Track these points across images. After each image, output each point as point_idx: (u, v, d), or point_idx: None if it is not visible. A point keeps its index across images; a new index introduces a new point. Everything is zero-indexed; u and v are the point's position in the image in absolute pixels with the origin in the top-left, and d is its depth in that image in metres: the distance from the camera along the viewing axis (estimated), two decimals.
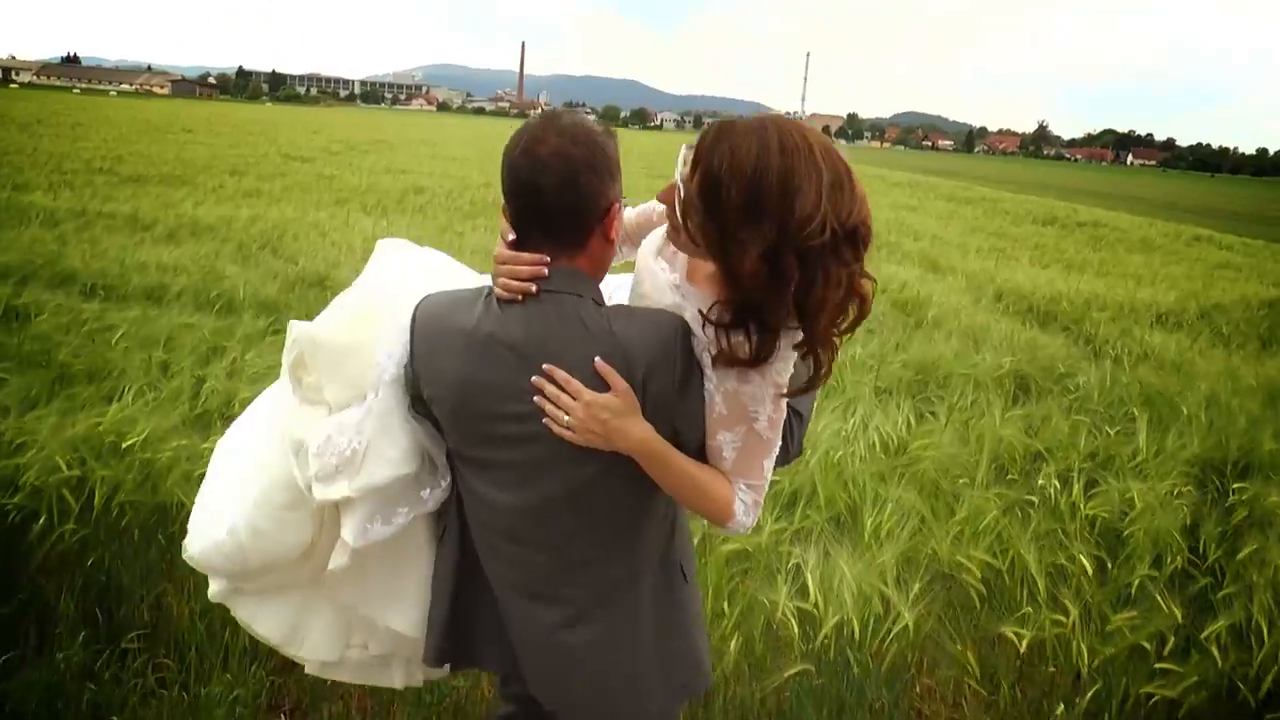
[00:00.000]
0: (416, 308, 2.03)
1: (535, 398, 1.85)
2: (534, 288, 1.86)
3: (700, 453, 1.93)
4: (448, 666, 2.28)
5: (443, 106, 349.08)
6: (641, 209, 2.34)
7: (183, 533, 2.31)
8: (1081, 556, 4.04)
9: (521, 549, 2.01)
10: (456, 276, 2.28)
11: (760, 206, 1.63)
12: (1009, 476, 5.10)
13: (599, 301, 1.92)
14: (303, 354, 2.09)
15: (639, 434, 1.82)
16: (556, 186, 1.83)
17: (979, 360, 7.51)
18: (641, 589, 2.04)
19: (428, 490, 2.08)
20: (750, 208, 1.63)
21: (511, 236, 1.94)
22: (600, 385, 1.82)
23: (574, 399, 1.81)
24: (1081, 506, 4.66)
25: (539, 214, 1.88)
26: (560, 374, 1.82)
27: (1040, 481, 4.85)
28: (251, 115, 79.08)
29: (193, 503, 2.32)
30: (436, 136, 62.50)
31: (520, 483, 1.95)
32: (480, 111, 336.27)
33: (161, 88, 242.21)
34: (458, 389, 1.93)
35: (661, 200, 1.89)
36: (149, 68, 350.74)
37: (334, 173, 26.46)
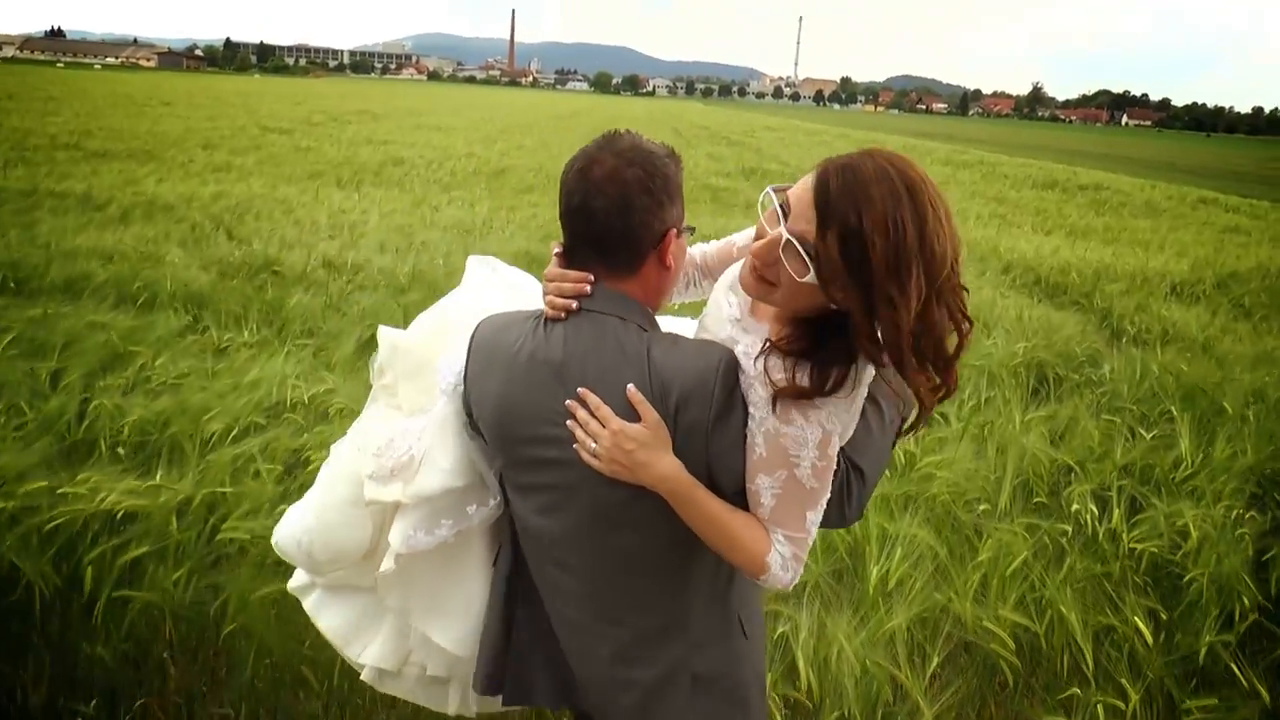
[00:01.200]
0: (477, 327, 1.99)
1: (568, 421, 1.78)
2: (575, 304, 1.81)
3: (739, 496, 1.78)
4: (500, 698, 2.13)
5: (433, 76, 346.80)
6: (723, 242, 2.22)
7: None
8: (1135, 615, 3.28)
9: (567, 577, 1.92)
10: (535, 296, 2.17)
11: (903, 259, 1.53)
12: (1036, 499, 4.34)
13: (645, 327, 1.82)
14: (384, 359, 2.18)
15: (665, 469, 1.72)
16: (608, 210, 1.76)
17: (991, 347, 6.75)
18: (690, 634, 1.91)
19: (474, 506, 2.04)
20: (895, 261, 1.53)
21: (557, 252, 1.89)
22: (632, 413, 1.73)
23: (603, 426, 1.73)
24: (1125, 538, 3.91)
25: (590, 237, 1.80)
26: (592, 399, 1.75)
27: (1074, 505, 4.10)
28: (236, 87, 77.73)
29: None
30: (424, 106, 61.40)
31: (557, 508, 1.87)
32: (471, 80, 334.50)
33: (148, 61, 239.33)
34: (499, 409, 1.89)
35: (758, 257, 1.71)
36: (135, 41, 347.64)
37: (312, 145, 25.65)
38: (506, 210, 14.87)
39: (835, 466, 1.77)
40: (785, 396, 1.69)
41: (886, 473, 4.35)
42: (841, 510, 1.85)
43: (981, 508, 3.99)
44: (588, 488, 1.80)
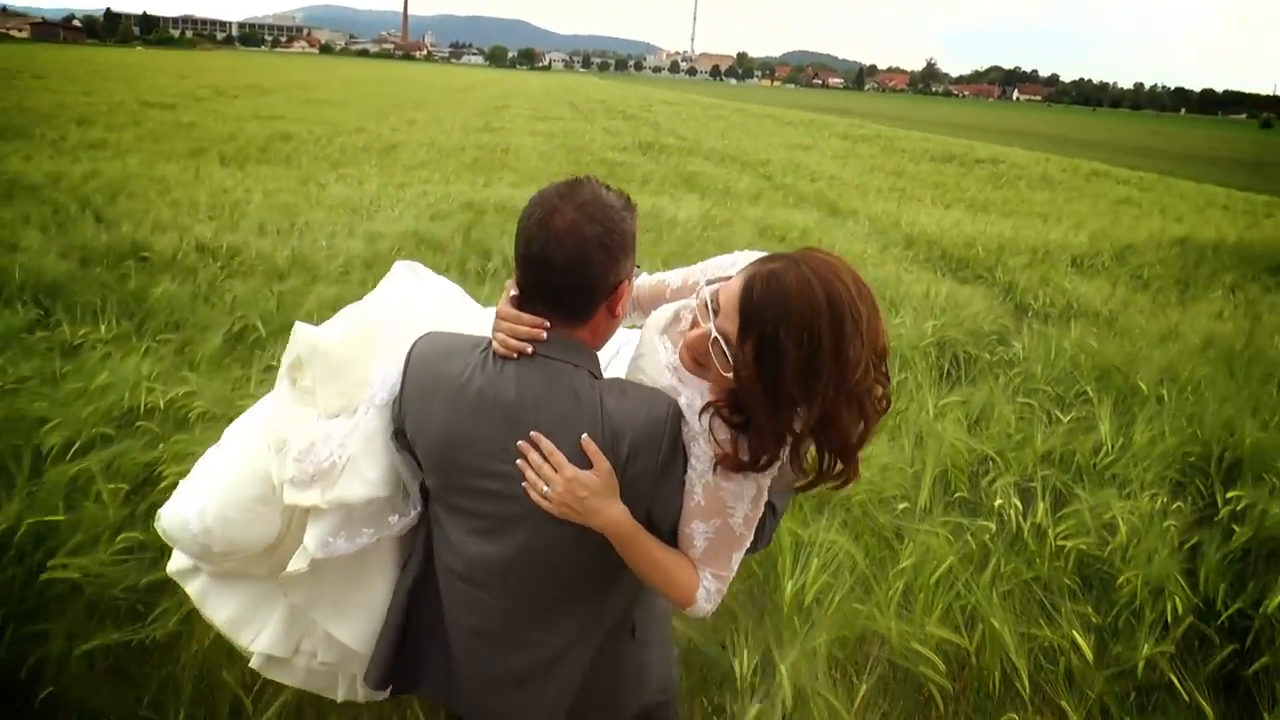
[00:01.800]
0: (415, 344, 2.02)
1: (518, 461, 1.83)
2: (530, 349, 1.85)
3: (672, 535, 1.91)
4: (388, 690, 2.21)
5: (325, 49, 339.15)
6: (655, 280, 2.22)
7: None
8: (1070, 627, 3.02)
9: (479, 594, 1.99)
10: (464, 312, 2.30)
11: (816, 369, 1.62)
12: (956, 493, 4.08)
13: (595, 374, 1.90)
14: (300, 357, 2.08)
15: (613, 515, 1.81)
16: (567, 263, 1.79)
17: (900, 326, 6.51)
18: (590, 650, 2.03)
19: (396, 516, 2.07)
20: (806, 372, 1.63)
21: (513, 293, 1.91)
22: (584, 459, 1.79)
23: (555, 471, 1.79)
24: (1051, 534, 3.67)
25: (546, 286, 1.84)
26: (546, 444, 1.81)
27: (997, 500, 3.85)
28: (117, 60, 74.44)
29: None
30: (315, 80, 59.63)
31: (491, 534, 1.94)
32: (364, 53, 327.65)
33: (19, 31, 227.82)
34: (443, 437, 1.92)
35: (689, 346, 1.88)
36: (4, 9, 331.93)
37: (195, 120, 24.51)
38: (396, 188, 14.33)
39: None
40: (725, 465, 1.78)
41: None
42: (757, 545, 1.97)
43: (900, 507, 3.72)
44: (529, 523, 1.87)
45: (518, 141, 23.44)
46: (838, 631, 2.94)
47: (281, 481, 1.99)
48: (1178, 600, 3.26)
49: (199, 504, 2.06)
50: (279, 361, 2.24)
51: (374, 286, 2.33)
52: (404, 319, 2.11)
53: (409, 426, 2.00)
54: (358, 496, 1.98)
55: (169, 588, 3.06)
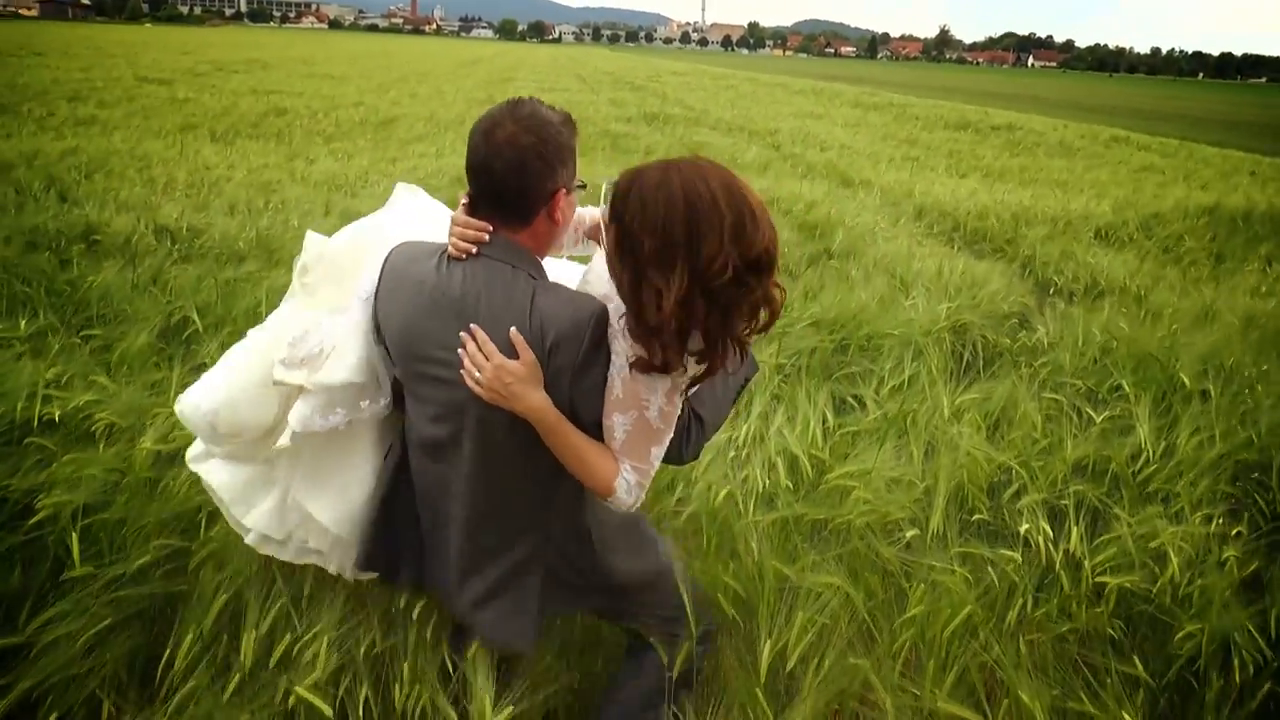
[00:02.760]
0: (390, 251, 2.23)
1: (459, 350, 2.03)
2: (474, 249, 2.05)
3: (596, 428, 2.07)
4: (375, 575, 2.47)
5: (334, 24, 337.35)
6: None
7: None
8: (1121, 709, 2.41)
9: (451, 473, 2.20)
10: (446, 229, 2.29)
11: (669, 257, 1.81)
12: (975, 515, 3.49)
13: (534, 275, 2.07)
14: (307, 263, 2.43)
15: (535, 402, 1.99)
16: (505, 171, 1.99)
17: (910, 310, 5.91)
18: (547, 540, 2.26)
19: (367, 402, 2.26)
20: (659, 259, 1.82)
21: (464, 201, 2.10)
22: (514, 350, 1.98)
23: (487, 360, 1.98)
24: (1088, 566, 3.08)
25: (490, 192, 2.04)
26: (481, 335, 2.00)
27: (1024, 525, 3.25)
28: (122, 37, 73.69)
29: None
30: (319, 55, 58.85)
31: (444, 419, 2.15)
32: (373, 28, 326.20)
33: (29, 9, 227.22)
34: (403, 330, 2.15)
35: (590, 237, 2.44)
36: None
37: (191, 96, 23.93)
38: (387, 163, 13.78)
39: (680, 412, 2.06)
40: (637, 367, 1.94)
41: (788, 485, 3.48)
42: (681, 450, 2.14)
43: (908, 534, 3.13)
44: (473, 408, 2.06)
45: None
46: (827, 700, 2.37)
47: (275, 361, 2.23)
48: (1246, 656, 2.68)
49: (210, 388, 2.32)
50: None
51: None
52: (397, 234, 2.29)
53: (380, 322, 2.22)
54: (338, 379, 2.19)
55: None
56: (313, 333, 2.23)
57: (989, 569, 3.04)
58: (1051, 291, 8.08)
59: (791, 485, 3.48)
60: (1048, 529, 3.20)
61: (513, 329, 1.98)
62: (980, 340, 5.73)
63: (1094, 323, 5.69)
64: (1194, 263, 9.66)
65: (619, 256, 1.88)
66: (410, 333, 2.12)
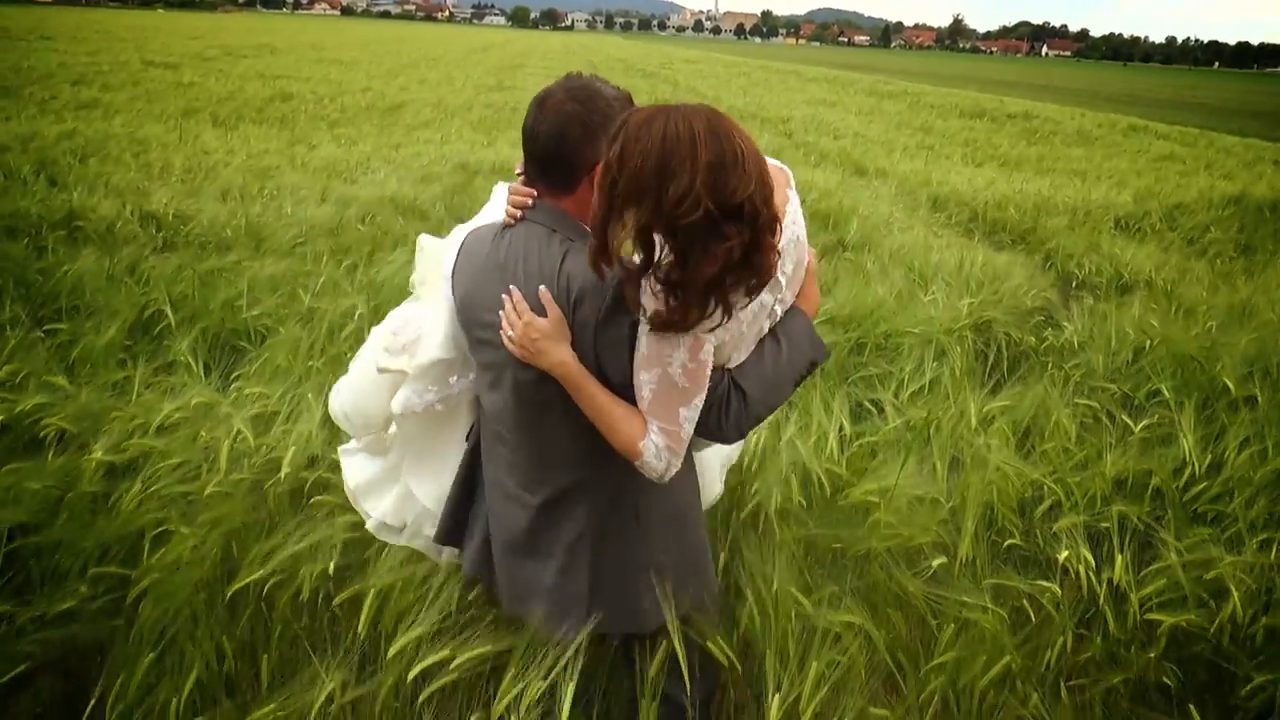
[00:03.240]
0: (467, 234, 2.28)
1: (500, 310, 2.09)
2: (519, 214, 2.12)
3: (624, 389, 2.04)
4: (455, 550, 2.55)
5: (346, 10, 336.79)
6: None
7: None
8: None
9: (502, 447, 2.26)
10: None
11: (639, 191, 1.77)
12: (1006, 540, 3.15)
13: (571, 238, 2.07)
14: (418, 260, 2.55)
15: (559, 357, 2.01)
16: (548, 136, 2.03)
17: (930, 306, 5.58)
18: (592, 518, 2.23)
19: (456, 378, 2.34)
20: (630, 193, 1.77)
21: (519, 171, 2.17)
22: (544, 309, 2.02)
23: (519, 318, 2.02)
24: (1135, 600, 2.75)
25: (533, 158, 2.09)
26: (516, 294, 2.05)
27: (1063, 552, 2.92)
28: (134, 22, 73.39)
29: None
30: (331, 40, 58.55)
31: (494, 385, 2.21)
32: (386, 15, 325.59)
33: None
34: (464, 299, 2.20)
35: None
36: None
37: (196, 80, 23.67)
38: (391, 148, 13.48)
39: (710, 373, 2.00)
40: (656, 322, 1.90)
41: (802, 503, 3.16)
42: (720, 421, 2.07)
43: (935, 563, 2.80)
44: (510, 368, 2.13)
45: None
46: None
47: (381, 349, 2.39)
48: None
49: (342, 384, 2.53)
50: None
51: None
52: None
53: (455, 301, 2.24)
54: (427, 358, 2.28)
55: None
56: (412, 320, 2.38)
57: (1024, 602, 2.71)
58: (1075, 285, 7.75)
59: (805, 502, 3.16)
60: (1089, 556, 2.87)
61: (541, 287, 2.02)
62: (1005, 339, 5.39)
63: (1125, 320, 5.35)
64: (1220, 255, 9.30)
65: (597, 188, 1.84)
66: (468, 300, 2.18)
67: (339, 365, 4.13)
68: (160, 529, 2.77)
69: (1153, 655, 2.61)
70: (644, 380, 1.98)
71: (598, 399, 2.03)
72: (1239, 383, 4.32)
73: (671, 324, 1.86)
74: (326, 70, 30.16)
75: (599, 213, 1.82)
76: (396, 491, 2.53)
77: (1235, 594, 2.66)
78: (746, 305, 1.95)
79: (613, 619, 2.26)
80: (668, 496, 2.25)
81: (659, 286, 1.85)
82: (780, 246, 1.91)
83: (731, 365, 2.07)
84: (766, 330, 2.09)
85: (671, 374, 1.96)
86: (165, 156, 11.52)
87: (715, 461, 2.66)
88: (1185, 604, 2.71)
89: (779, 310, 2.09)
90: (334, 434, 3.44)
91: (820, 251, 7.90)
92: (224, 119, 16.79)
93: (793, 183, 2.10)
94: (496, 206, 2.43)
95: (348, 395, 2.50)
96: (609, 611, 2.25)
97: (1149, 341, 4.98)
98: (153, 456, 3.12)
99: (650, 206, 1.76)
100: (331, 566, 2.64)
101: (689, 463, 2.29)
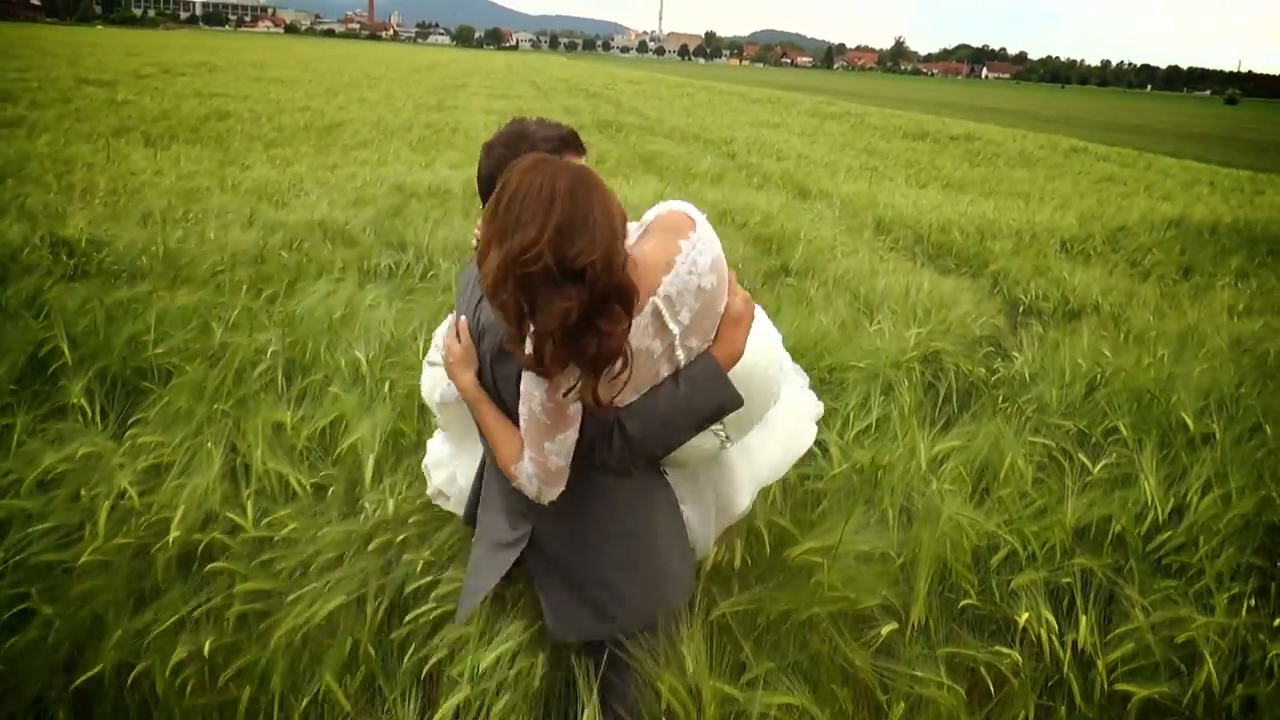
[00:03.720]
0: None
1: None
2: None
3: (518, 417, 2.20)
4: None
5: (290, 29, 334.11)
6: None
7: None
8: None
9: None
10: None
11: (500, 232, 1.90)
12: (963, 600, 2.93)
13: None
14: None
15: (462, 381, 2.28)
16: (485, 180, 2.34)
17: (876, 337, 5.38)
18: (542, 524, 2.39)
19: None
20: (494, 233, 1.91)
21: None
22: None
23: (454, 342, 2.29)
24: (1102, 667, 2.53)
25: (480, 194, 2.38)
26: (462, 322, 2.29)
27: (1022, 613, 2.69)
28: (71, 38, 71.95)
29: None
30: (272, 59, 57.72)
31: None
32: (330, 33, 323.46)
33: None
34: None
35: None
36: None
37: (131, 98, 23.06)
38: (327, 169, 13.12)
39: (578, 413, 2.12)
40: (525, 364, 2.00)
41: (747, 560, 2.91)
42: (603, 455, 2.20)
43: (885, 630, 2.56)
44: None
45: (469, 120, 22.15)
46: None
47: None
48: None
49: (423, 375, 2.83)
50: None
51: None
52: None
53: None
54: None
55: None
56: (445, 328, 2.56)
57: (982, 669, 2.48)
58: (1023, 311, 7.61)
59: (749, 559, 2.91)
60: (1050, 618, 2.65)
61: (462, 318, 2.27)
62: (954, 371, 5.19)
63: (1075, 349, 5.18)
64: (1164, 277, 9.25)
65: (484, 222, 1.97)
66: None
67: (247, 409, 3.84)
68: (20, 607, 2.46)
69: None
70: (520, 413, 2.12)
71: (487, 420, 2.25)
72: (1196, 417, 4.15)
73: (532, 366, 1.95)
74: (266, 89, 29.63)
75: (481, 247, 1.96)
76: (447, 468, 2.83)
77: (1209, 661, 2.46)
78: (611, 368, 1.96)
79: (555, 625, 2.38)
80: (623, 514, 2.35)
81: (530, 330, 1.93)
82: (671, 294, 2.04)
83: (621, 404, 2.14)
84: (665, 374, 2.15)
85: (534, 410, 2.09)
86: (89, 177, 11.08)
87: (745, 475, 2.60)
88: (1156, 671, 2.50)
89: (682, 356, 2.14)
90: (235, 490, 3.15)
91: (763, 277, 7.70)
92: (156, 138, 16.31)
93: (700, 228, 2.11)
94: None
95: (424, 383, 2.80)
96: (554, 617, 2.38)
97: (1101, 372, 4.81)
98: (23, 519, 2.79)
99: (504, 249, 1.86)
100: (207, 646, 2.34)
101: (651, 483, 2.40)
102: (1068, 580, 2.90)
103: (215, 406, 3.93)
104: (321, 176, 12.29)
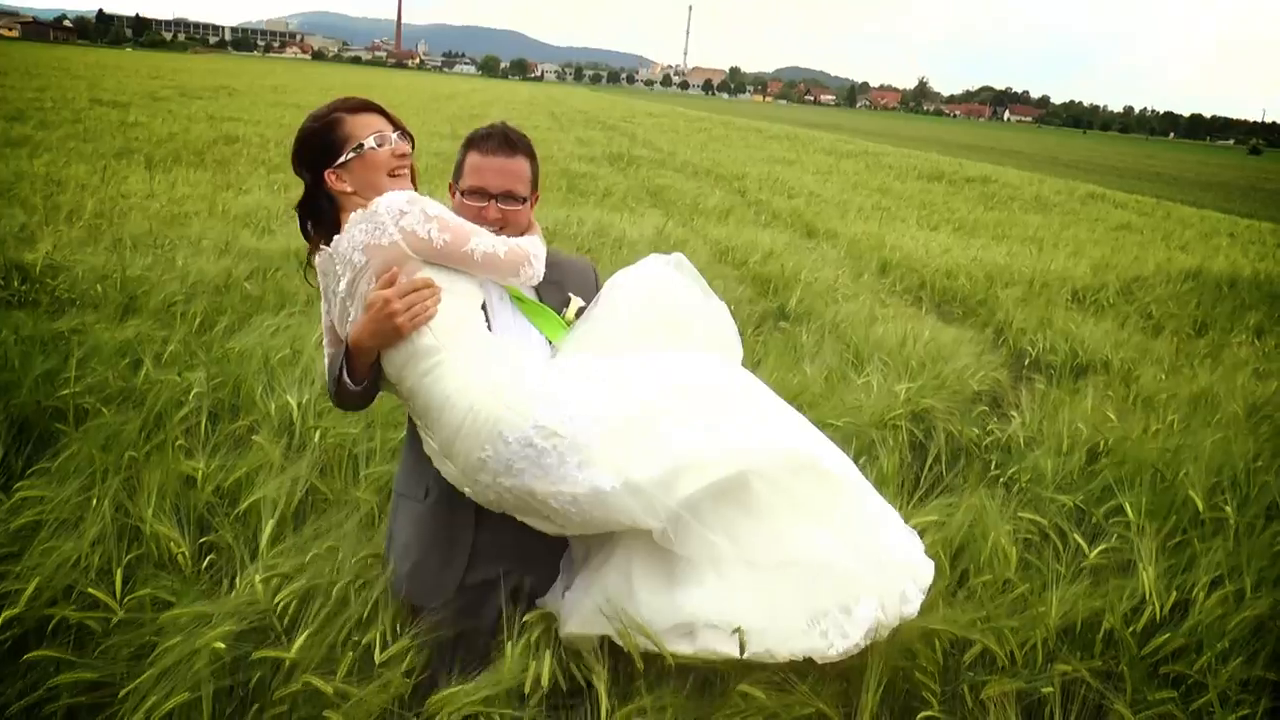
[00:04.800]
0: None
1: None
2: None
3: None
4: None
5: (318, 55, 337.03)
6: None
7: None
8: None
9: None
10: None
11: None
12: (921, 713, 2.53)
13: None
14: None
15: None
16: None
17: (862, 391, 5.01)
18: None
19: None
20: None
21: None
22: None
23: None
24: None
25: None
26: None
27: None
28: (96, 60, 72.26)
29: None
30: (294, 84, 57.96)
31: None
32: (356, 60, 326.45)
33: (10, 30, 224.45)
34: None
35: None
36: None
37: (142, 120, 23.03)
38: None
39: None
40: None
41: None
42: None
43: None
44: None
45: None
46: None
47: None
48: None
49: None
50: None
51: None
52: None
53: None
54: None
55: None
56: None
57: None
58: (1028, 364, 7.23)
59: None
60: None
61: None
62: (945, 433, 4.80)
63: (1078, 412, 4.80)
64: (1178, 331, 8.84)
65: None
66: None
67: (165, 458, 3.48)
68: None
69: None
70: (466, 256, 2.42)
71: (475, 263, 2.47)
72: (1206, 497, 3.76)
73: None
74: (280, 114, 29.59)
75: None
76: None
77: None
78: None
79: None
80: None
81: None
82: (332, 252, 2.40)
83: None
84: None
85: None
86: (79, 199, 10.86)
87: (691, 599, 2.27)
88: None
89: (352, 314, 2.41)
90: (118, 557, 2.79)
91: (756, 320, 7.34)
92: (159, 160, 16.15)
93: (384, 213, 2.34)
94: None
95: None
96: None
97: (1105, 440, 4.42)
98: None
99: None
100: None
101: (401, 485, 2.74)
102: (1049, 690, 2.51)
103: (126, 454, 3.58)
104: None
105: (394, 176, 2.45)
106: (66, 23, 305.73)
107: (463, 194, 2.60)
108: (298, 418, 3.97)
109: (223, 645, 2.20)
